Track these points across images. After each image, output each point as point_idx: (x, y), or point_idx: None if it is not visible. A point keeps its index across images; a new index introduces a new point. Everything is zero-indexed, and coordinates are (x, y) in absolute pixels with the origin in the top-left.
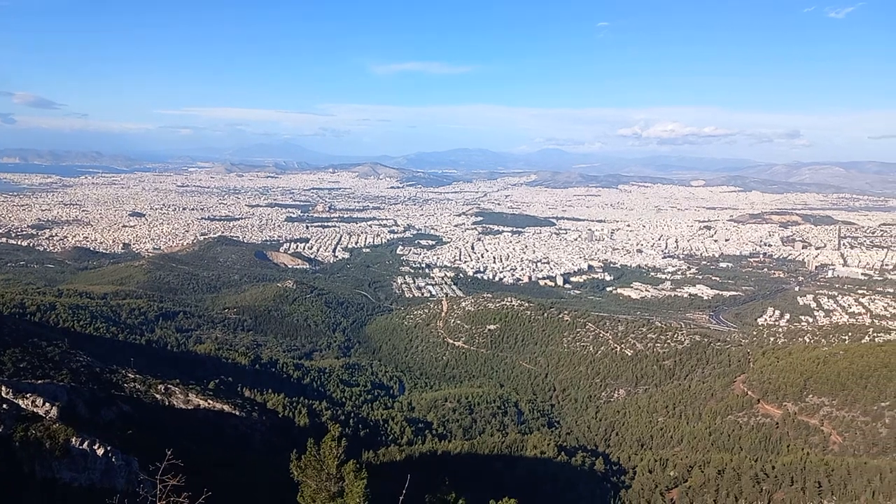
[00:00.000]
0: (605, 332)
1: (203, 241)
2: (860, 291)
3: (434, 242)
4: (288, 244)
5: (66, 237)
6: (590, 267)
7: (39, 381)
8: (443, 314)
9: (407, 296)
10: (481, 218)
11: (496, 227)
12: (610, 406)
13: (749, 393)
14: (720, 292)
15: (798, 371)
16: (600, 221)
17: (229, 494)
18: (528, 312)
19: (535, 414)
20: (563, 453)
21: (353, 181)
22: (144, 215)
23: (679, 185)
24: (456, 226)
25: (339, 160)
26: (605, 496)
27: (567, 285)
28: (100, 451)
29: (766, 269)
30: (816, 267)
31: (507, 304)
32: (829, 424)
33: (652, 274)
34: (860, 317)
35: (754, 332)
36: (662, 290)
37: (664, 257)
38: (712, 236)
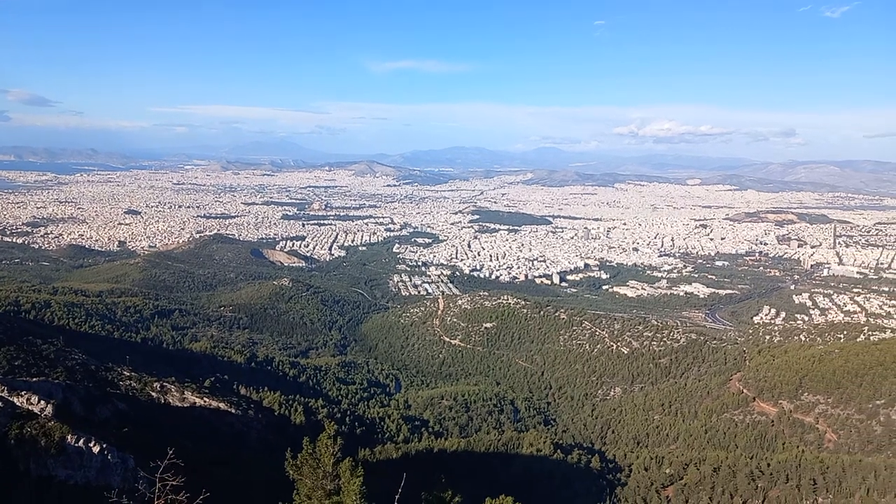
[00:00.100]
0: (601, 331)
1: (199, 238)
2: (855, 290)
3: (430, 240)
4: (284, 242)
5: (61, 235)
6: (586, 265)
7: (34, 379)
8: (439, 312)
9: (403, 294)
10: (478, 216)
11: (492, 226)
12: (606, 404)
13: (745, 391)
14: (716, 291)
15: (793, 369)
16: (596, 220)
17: (225, 493)
18: (525, 311)
19: (532, 412)
20: (559, 451)
21: (350, 179)
22: (140, 213)
23: (675, 184)
24: (452, 224)
25: (336, 158)
26: (601, 494)
27: (563, 283)
28: (95, 449)
29: (761, 268)
30: (812, 265)
31: (504, 302)
32: (824, 422)
33: (648, 272)
34: (855, 315)
35: (750, 331)
36: (658, 288)
37: (660, 256)
38: (708, 235)
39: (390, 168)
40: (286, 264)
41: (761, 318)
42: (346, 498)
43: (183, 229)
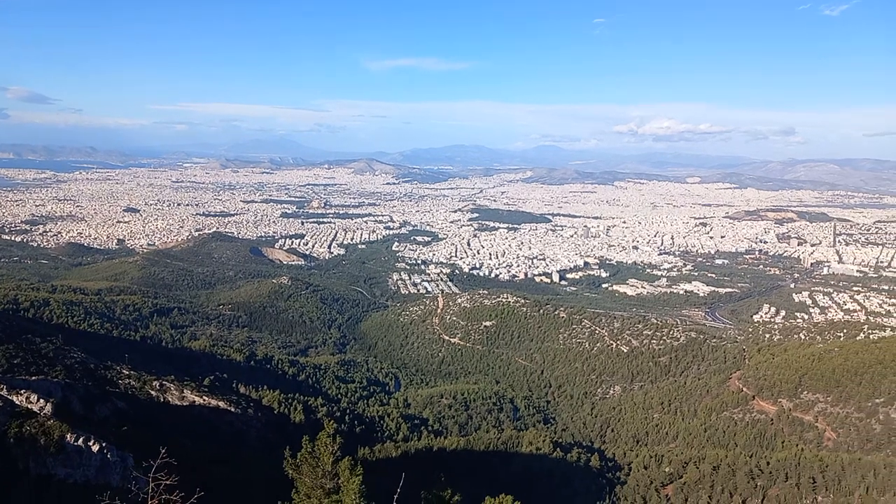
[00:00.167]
0: (600, 329)
1: (198, 236)
2: (855, 288)
3: (430, 239)
4: (283, 240)
5: (59, 233)
6: (586, 263)
7: (33, 378)
8: (439, 311)
9: (403, 292)
10: (477, 214)
11: (492, 224)
12: (605, 402)
13: (744, 389)
14: (716, 289)
15: (793, 368)
16: (596, 218)
17: (225, 491)
18: (524, 309)
19: (531, 410)
20: (558, 449)
21: (349, 177)
22: (139, 211)
23: (675, 182)
24: (452, 222)
25: (335, 156)
26: (601, 492)
27: (563, 282)
28: (95, 448)
29: (761, 266)
30: (812, 264)
31: (503, 300)
32: (823, 421)
33: (648, 271)
34: (855, 314)
35: (750, 329)
36: (658, 286)
37: (660, 254)
38: (708, 233)
39: (390, 166)
40: (285, 262)
41: (761, 316)
42: (345, 497)
43: (182, 227)
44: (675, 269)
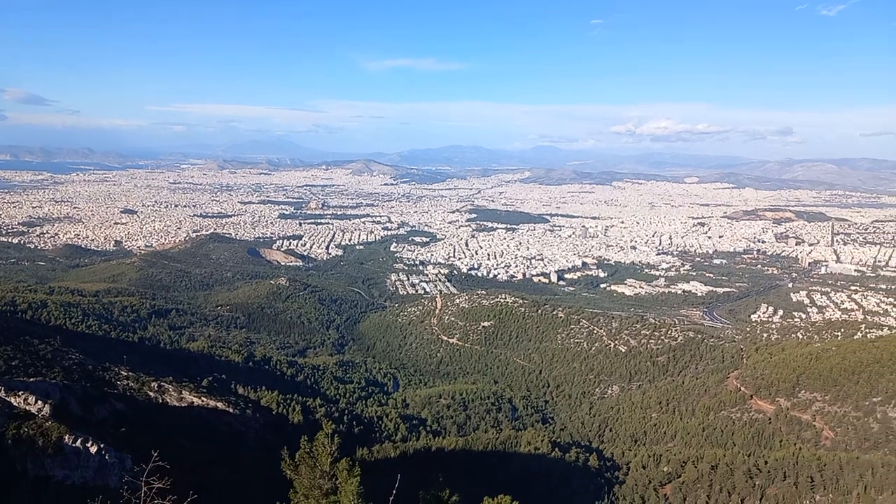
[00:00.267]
0: (598, 329)
1: (195, 238)
2: (853, 288)
3: (428, 239)
4: (281, 241)
5: (57, 234)
6: (584, 264)
7: (31, 379)
8: (437, 311)
9: (401, 293)
10: (475, 215)
11: (490, 224)
12: (604, 402)
13: (742, 389)
14: (714, 289)
15: (791, 367)
16: (594, 218)
17: (223, 492)
18: (523, 309)
19: (530, 410)
20: (556, 449)
21: (347, 178)
22: (136, 212)
23: (673, 182)
24: (450, 223)
25: (333, 157)
26: (599, 492)
27: (561, 282)
28: (93, 449)
29: (759, 266)
30: (810, 263)
31: (502, 300)
32: (821, 420)
33: (646, 270)
34: (853, 313)
35: (748, 329)
36: (656, 286)
37: (658, 254)
38: (706, 233)
39: (388, 167)
40: (283, 263)
41: (759, 316)
42: (343, 497)
43: (179, 228)
44: (672, 269)
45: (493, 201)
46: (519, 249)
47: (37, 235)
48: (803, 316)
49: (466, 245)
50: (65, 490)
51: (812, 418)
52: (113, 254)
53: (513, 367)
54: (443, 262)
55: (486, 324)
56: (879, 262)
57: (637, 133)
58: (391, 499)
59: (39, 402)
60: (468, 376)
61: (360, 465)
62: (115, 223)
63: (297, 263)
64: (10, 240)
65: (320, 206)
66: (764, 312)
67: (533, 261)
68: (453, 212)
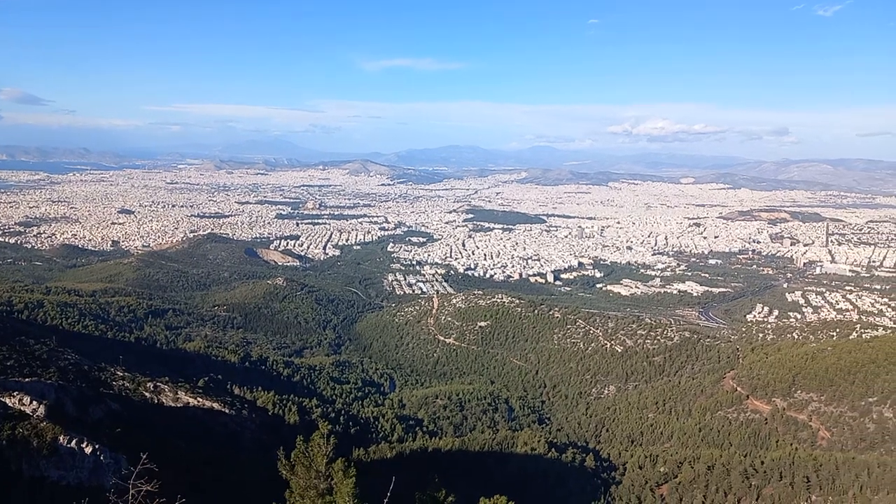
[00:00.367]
0: (595, 329)
1: (192, 238)
2: (848, 288)
3: (425, 239)
4: (278, 241)
5: (54, 234)
6: (580, 264)
7: (27, 380)
8: (433, 311)
9: (398, 293)
10: (472, 215)
11: (487, 224)
12: (600, 402)
13: (738, 389)
14: (709, 289)
15: (787, 367)
16: (590, 218)
17: (219, 492)
18: (519, 309)
19: (526, 410)
20: (553, 450)
21: (344, 178)
22: (133, 212)
23: (669, 183)
24: (447, 223)
25: (330, 157)
26: (596, 492)
27: (557, 282)
28: (88, 450)
29: (755, 266)
30: (805, 264)
31: (498, 301)
32: (817, 420)
33: (642, 271)
34: (848, 313)
35: (743, 329)
36: (652, 286)
37: (654, 254)
38: (702, 233)
39: (385, 167)
40: (280, 263)
41: (754, 316)
42: (338, 498)
43: (176, 229)
44: (668, 270)
45: (489, 201)
46: (515, 250)
47: (33, 235)
48: (799, 316)
49: (463, 245)
50: (60, 490)
51: (808, 418)
52: (110, 254)
53: (509, 367)
54: (439, 262)
55: (482, 324)
56: (874, 262)
57: (633, 133)
58: (385, 501)
59: (34, 402)
60: (465, 376)
61: (355, 466)
62: (112, 223)
63: (295, 263)
64: (6, 240)
65: (317, 206)
66: (759, 312)
67: (529, 261)
68: (450, 212)
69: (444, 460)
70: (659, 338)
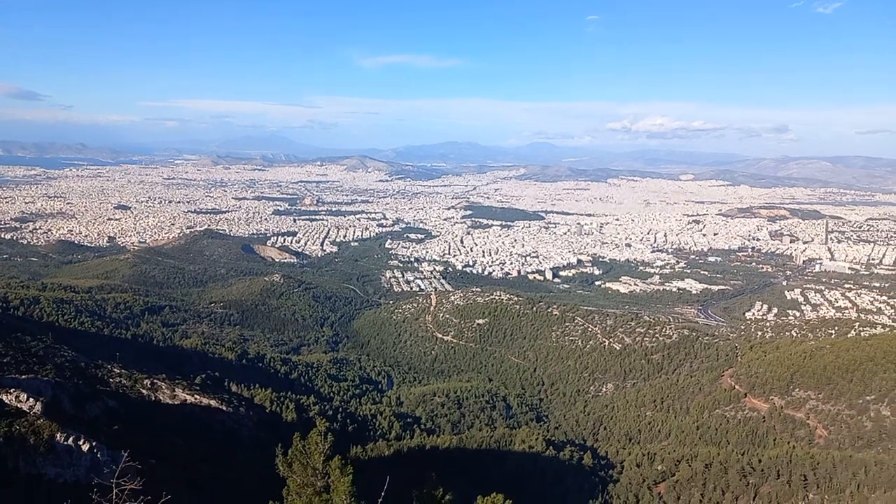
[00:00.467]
0: (593, 327)
1: (189, 234)
2: (847, 286)
3: (423, 236)
4: (275, 238)
5: (50, 230)
6: (579, 261)
7: (23, 376)
8: (431, 308)
9: (395, 290)
10: (470, 212)
11: (485, 221)
12: (598, 400)
13: (736, 387)
14: (708, 286)
15: (785, 365)
16: (589, 215)
17: (216, 490)
18: (517, 307)
19: (524, 408)
20: (551, 448)
21: (342, 174)
22: (130, 208)
23: (668, 179)
24: (445, 219)
25: (327, 153)
26: (593, 490)
27: (556, 279)
28: (85, 447)
29: (754, 264)
30: (804, 261)
31: (496, 298)
32: (815, 418)
33: (640, 268)
34: (847, 311)
35: (742, 327)
36: (651, 284)
37: (653, 251)
38: (701, 230)
39: (382, 163)
40: (277, 260)
41: (753, 313)
42: (335, 496)
43: (173, 225)
44: (667, 267)
45: (488, 198)
46: (514, 246)
47: (29, 231)
48: (797, 314)
49: (461, 242)
50: (57, 488)
51: (806, 416)
52: (106, 250)
53: (507, 364)
54: (438, 259)
55: (480, 321)
56: (873, 260)
57: (633, 130)
58: (380, 500)
59: (31, 399)
60: (462, 374)
61: (353, 464)
62: (109, 219)
63: (292, 260)
64: (2, 235)
65: (315, 202)
66: (758, 310)
67: (528, 258)
68: (448, 209)
69: (441, 458)
70: (657, 335)
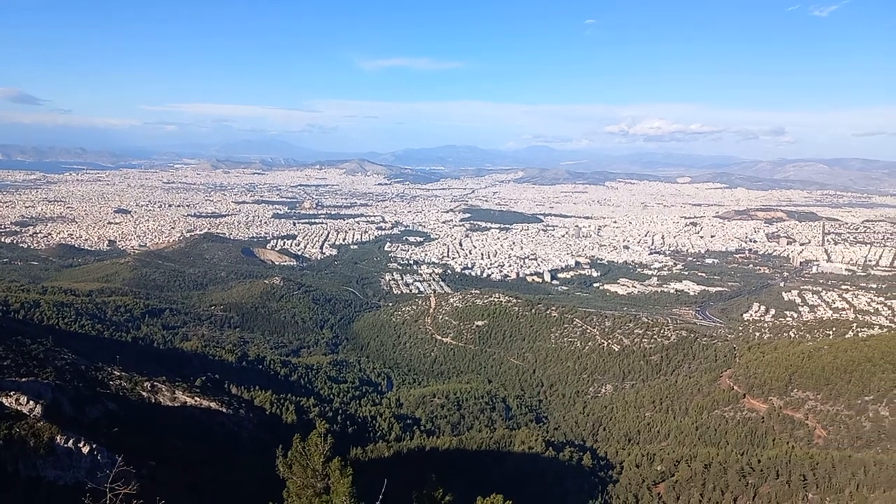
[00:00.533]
0: (592, 328)
1: (189, 237)
2: (844, 287)
3: (422, 239)
4: (275, 241)
5: (50, 234)
6: (577, 263)
7: (23, 379)
8: (431, 310)
9: (395, 292)
10: (469, 214)
11: (484, 224)
12: (597, 401)
13: (735, 388)
14: (706, 288)
15: (783, 366)
16: (587, 218)
17: (216, 492)
18: (516, 308)
19: (523, 409)
20: (550, 449)
21: (341, 178)
22: (130, 212)
23: (665, 182)
24: (444, 222)
25: (327, 156)
26: (593, 491)
27: (554, 281)
28: (85, 450)
29: (751, 265)
30: (801, 263)
31: (495, 300)
32: (813, 418)
33: (638, 270)
34: (844, 312)
35: (740, 328)
36: (649, 285)
37: (651, 253)
38: (698, 232)
39: (382, 166)
40: (277, 263)
41: (751, 315)
42: (335, 497)
43: (173, 228)
44: (665, 269)
45: (486, 201)
46: (513, 249)
47: (30, 235)
48: (795, 315)
49: (460, 245)
50: (57, 490)
51: (804, 417)
52: (106, 253)
53: (507, 366)
54: (437, 261)
55: (479, 323)
56: (870, 261)
57: (630, 133)
58: (378, 501)
59: (31, 402)
60: (462, 376)
61: (353, 465)
62: (109, 223)
63: (292, 263)
64: (2, 239)
65: (314, 205)
66: (756, 311)
67: (526, 260)
68: (447, 211)
69: (441, 459)
70: (656, 337)
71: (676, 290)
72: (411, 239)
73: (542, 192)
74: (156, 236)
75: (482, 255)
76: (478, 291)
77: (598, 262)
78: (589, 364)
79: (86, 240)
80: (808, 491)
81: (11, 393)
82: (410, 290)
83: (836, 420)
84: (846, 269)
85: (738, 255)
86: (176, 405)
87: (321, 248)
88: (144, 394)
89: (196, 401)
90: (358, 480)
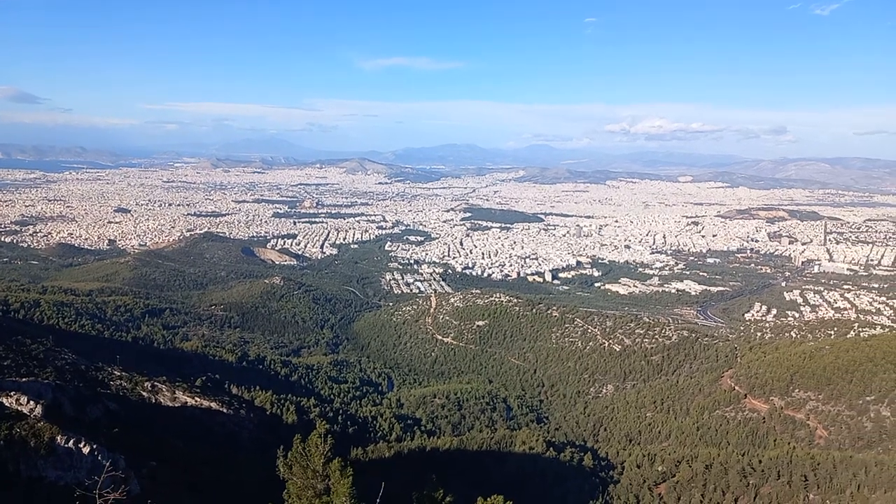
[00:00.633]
0: (593, 328)
1: (189, 237)
2: (846, 286)
3: (423, 238)
4: (275, 240)
5: (50, 233)
6: (578, 263)
7: (24, 379)
8: (431, 310)
9: (395, 292)
10: (470, 214)
11: (485, 223)
12: (598, 401)
13: (736, 388)
14: (707, 288)
15: (785, 366)
16: (588, 217)
17: (217, 492)
18: (517, 308)
19: (524, 410)
20: (551, 449)
21: (341, 177)
22: (130, 211)
23: (666, 181)
24: (444, 222)
25: (327, 156)
26: (594, 491)
27: (555, 281)
28: (86, 450)
29: (752, 265)
30: (803, 262)
31: (496, 300)
32: (815, 419)
33: (640, 269)
34: (846, 312)
35: (741, 328)
36: (650, 285)
37: (652, 253)
38: (699, 232)
39: (382, 165)
40: (277, 262)
41: (752, 314)
42: (335, 498)
43: (173, 227)
44: (666, 268)
45: (487, 200)
46: (513, 248)
47: (30, 234)
48: (797, 315)
49: (461, 244)
50: (57, 491)
51: (806, 417)
52: (106, 253)
53: (507, 366)
54: (437, 261)
55: (480, 323)
56: (872, 261)
57: (631, 132)
58: (377, 502)
59: (31, 402)
60: (463, 376)
61: (353, 466)
62: (109, 222)
63: (292, 262)
64: (2, 239)
65: (314, 204)
66: (757, 311)
67: (527, 260)
68: (448, 211)
69: (441, 459)
70: (657, 337)
71: (678, 290)
72: (412, 238)
73: (542, 191)
74: (156, 235)
75: (483, 254)
76: (478, 291)
77: (600, 261)
78: (590, 364)
79: (86, 239)
80: (809, 491)
81: (12, 393)
82: (411, 290)
83: (838, 420)
84: (848, 269)
85: (739, 255)
86: (176, 405)
87: (321, 247)
88: (145, 394)
89: (196, 401)
90: (358, 481)
